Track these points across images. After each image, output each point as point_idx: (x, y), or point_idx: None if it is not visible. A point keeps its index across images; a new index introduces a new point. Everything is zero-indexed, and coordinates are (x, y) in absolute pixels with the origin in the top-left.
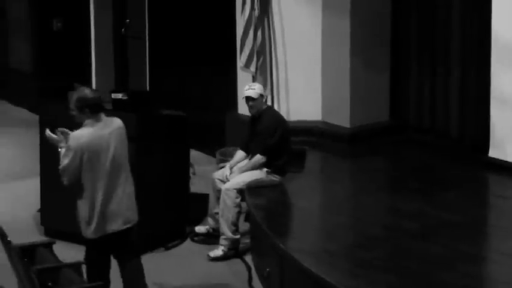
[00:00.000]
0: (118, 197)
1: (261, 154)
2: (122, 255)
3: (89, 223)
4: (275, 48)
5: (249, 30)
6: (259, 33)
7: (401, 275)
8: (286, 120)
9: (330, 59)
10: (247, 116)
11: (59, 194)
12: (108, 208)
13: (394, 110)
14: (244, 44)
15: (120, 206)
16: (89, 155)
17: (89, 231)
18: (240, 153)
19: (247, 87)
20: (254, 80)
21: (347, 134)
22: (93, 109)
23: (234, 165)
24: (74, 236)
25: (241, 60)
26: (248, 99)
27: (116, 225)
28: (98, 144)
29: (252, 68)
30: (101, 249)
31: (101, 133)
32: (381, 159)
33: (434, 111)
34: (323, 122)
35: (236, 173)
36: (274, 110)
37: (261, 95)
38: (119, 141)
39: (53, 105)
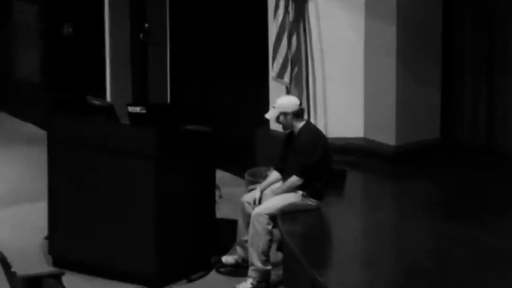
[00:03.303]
0: None
1: (297, 175)
2: None
3: None
4: (312, 57)
5: (282, 36)
6: (293, 39)
7: None
8: (326, 138)
9: (374, 69)
10: (280, 132)
11: (69, 219)
12: None
13: (446, 126)
14: (277, 52)
15: None
16: None
17: None
18: (274, 174)
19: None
20: (288, 92)
21: (392, 153)
22: None
23: (266, 188)
24: (85, 266)
25: (273, 70)
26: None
27: None
28: None
29: (286, 79)
30: None
31: None
32: (430, 181)
33: (491, 128)
34: (365, 139)
35: (269, 196)
36: (313, 125)
37: (284, 114)
38: None
39: (63, 120)
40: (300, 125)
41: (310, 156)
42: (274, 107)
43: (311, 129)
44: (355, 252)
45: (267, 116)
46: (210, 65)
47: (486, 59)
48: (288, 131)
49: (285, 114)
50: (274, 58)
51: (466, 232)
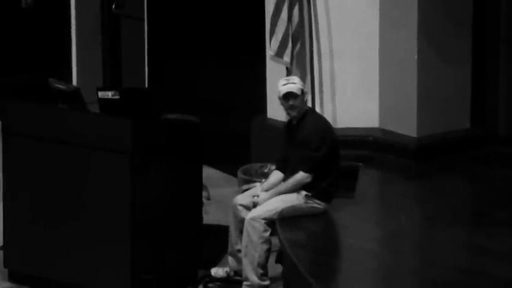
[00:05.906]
0: None
1: (305, 172)
2: None
3: None
4: (317, 32)
5: (281, 7)
6: (295, 11)
7: None
8: (333, 128)
9: (391, 46)
10: (280, 121)
11: (28, 226)
12: None
13: (477, 115)
14: (275, 26)
15: None
16: None
17: None
18: (275, 175)
19: (284, 81)
20: (289, 73)
21: (413, 146)
22: None
23: (270, 188)
24: (46, 283)
25: (271, 48)
26: (289, 96)
27: None
28: None
29: (286, 58)
30: None
31: None
32: (459, 180)
33: None
34: (381, 130)
35: (267, 195)
36: (317, 113)
37: (303, 92)
38: None
39: (19, 108)
40: (303, 112)
41: (319, 148)
42: (294, 82)
43: (316, 118)
44: (368, 266)
45: (289, 88)
46: (196, 42)
47: None
48: (290, 119)
49: (303, 92)
50: (272, 34)
51: (506, 243)
